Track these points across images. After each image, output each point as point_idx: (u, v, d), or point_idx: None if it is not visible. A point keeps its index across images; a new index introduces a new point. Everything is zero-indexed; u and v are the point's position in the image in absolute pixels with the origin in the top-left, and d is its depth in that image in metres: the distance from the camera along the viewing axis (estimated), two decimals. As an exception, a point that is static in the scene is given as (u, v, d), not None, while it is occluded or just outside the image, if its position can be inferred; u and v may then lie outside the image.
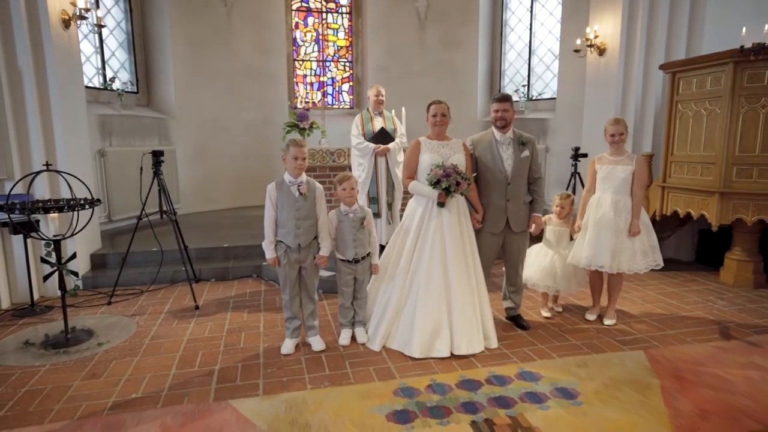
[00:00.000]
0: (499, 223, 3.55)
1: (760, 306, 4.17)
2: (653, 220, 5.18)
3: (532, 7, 8.09)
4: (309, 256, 3.25)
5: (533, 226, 3.64)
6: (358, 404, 2.68)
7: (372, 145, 4.60)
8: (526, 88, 8.19)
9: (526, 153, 3.54)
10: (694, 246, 5.65)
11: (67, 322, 3.54)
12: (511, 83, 8.51)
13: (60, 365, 3.15)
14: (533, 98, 8.07)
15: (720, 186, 4.34)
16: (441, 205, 3.26)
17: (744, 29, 4.01)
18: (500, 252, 3.74)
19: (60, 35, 4.47)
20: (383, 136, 4.65)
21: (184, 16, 7.26)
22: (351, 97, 9.06)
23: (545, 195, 7.27)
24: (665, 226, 5.61)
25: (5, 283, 4.21)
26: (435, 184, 3.21)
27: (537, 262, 3.87)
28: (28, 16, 4.15)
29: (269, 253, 3.21)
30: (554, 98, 7.61)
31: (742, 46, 3.95)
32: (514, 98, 8.21)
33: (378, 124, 4.71)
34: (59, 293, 3.55)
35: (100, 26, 5.33)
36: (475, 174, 3.47)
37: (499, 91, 8.58)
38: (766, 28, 3.93)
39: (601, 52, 5.97)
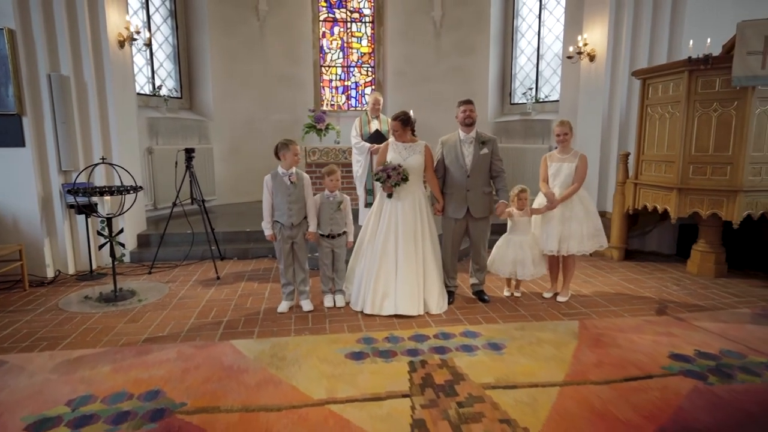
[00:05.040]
0: (461, 210, 4.18)
1: (709, 291, 4.58)
2: (628, 215, 5.65)
3: (540, 14, 8.55)
4: (299, 233, 4.03)
5: (498, 210, 4.18)
6: (327, 347, 3.42)
7: (368, 145, 5.33)
8: (534, 90, 8.66)
9: (485, 150, 4.16)
10: (675, 240, 6.01)
11: (116, 283, 4.49)
12: (521, 86, 8.99)
13: (109, 313, 4.10)
14: (540, 100, 8.53)
15: (678, 182, 4.77)
16: (389, 196, 4.00)
17: (691, 42, 4.44)
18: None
19: (116, 53, 5.49)
20: (378, 137, 5.36)
21: (222, 30, 8.26)
22: (372, 99, 9.79)
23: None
24: (648, 220, 6.01)
25: (71, 254, 5.27)
26: (377, 177, 3.98)
27: (500, 253, 4.37)
28: (92, 39, 5.16)
29: (267, 231, 4.02)
30: (558, 101, 8.05)
31: (689, 57, 4.38)
32: (523, 100, 8.76)
33: (374, 126, 5.44)
34: (111, 262, 4.50)
35: (148, 45, 6.37)
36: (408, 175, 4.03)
37: (510, 93, 9.10)
38: (708, 41, 4.34)
39: (592, 58, 6.43)
